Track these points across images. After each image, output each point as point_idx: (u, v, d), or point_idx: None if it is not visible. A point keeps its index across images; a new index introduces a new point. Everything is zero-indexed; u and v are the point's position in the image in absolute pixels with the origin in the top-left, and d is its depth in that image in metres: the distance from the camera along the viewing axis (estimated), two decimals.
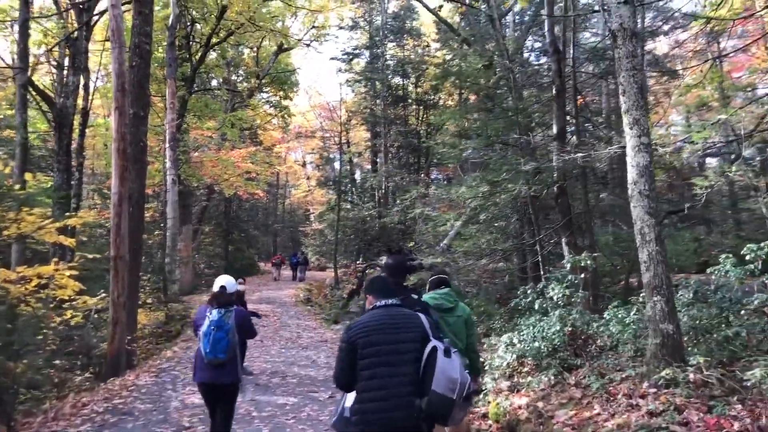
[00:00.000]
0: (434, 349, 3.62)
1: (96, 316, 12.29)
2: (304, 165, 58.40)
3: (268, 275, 39.55)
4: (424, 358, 3.60)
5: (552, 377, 8.34)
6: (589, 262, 8.31)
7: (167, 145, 19.55)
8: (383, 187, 28.31)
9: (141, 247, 12.70)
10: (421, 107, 34.02)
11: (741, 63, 20.43)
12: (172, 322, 17.51)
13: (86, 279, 13.85)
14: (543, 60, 14.30)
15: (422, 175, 30.54)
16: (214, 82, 33.75)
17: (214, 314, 5.51)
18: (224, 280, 5.86)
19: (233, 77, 35.38)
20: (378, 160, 32.84)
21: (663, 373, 6.29)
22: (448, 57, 26.90)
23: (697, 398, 6.00)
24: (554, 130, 13.07)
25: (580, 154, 9.73)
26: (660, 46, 22.49)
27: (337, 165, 50.07)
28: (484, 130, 12.20)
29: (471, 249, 12.54)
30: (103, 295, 11.24)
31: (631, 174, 7.07)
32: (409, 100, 33.89)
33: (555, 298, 8.49)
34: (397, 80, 34.79)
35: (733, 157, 12.95)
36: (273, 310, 21.28)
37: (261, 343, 14.46)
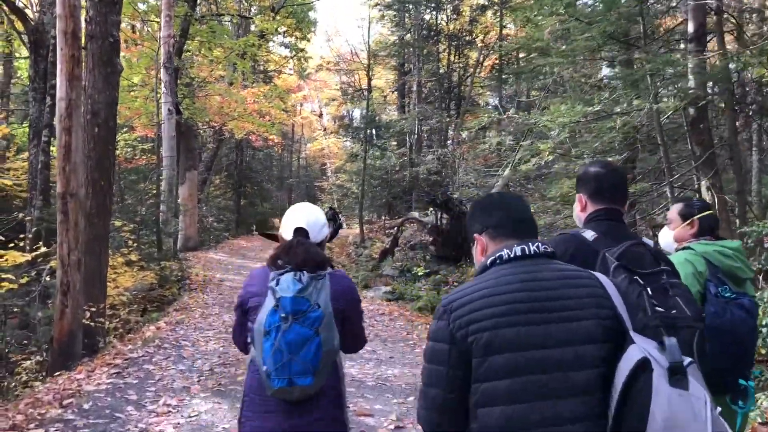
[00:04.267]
0: (644, 364, 1.51)
1: (48, 279, 8.83)
2: (320, 116, 54.51)
3: None
4: (622, 381, 1.53)
5: None
6: None
7: (162, 65, 15.83)
8: (416, 131, 24.40)
9: (111, 184, 9.16)
10: (454, 46, 29.87)
11: None
12: (167, 285, 14.14)
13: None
14: None
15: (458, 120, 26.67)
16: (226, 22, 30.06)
17: (285, 285, 2.33)
18: (305, 212, 2.64)
19: (246, 14, 31.69)
20: (406, 101, 28.88)
21: None
22: None
23: None
24: (689, 27, 9.29)
25: None
26: None
27: (357, 113, 46.45)
28: (601, 21, 8.31)
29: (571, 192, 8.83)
30: (42, 249, 7.77)
31: None
32: (442, 38, 29.70)
33: None
34: (429, 15, 30.60)
35: None
36: None
37: None
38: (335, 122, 53.67)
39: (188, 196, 21.35)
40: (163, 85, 15.74)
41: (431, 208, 18.47)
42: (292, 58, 37.61)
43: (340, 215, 29.07)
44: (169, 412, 5.42)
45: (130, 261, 13.05)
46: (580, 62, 9.36)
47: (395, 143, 29.23)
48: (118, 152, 16.06)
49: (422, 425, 1.78)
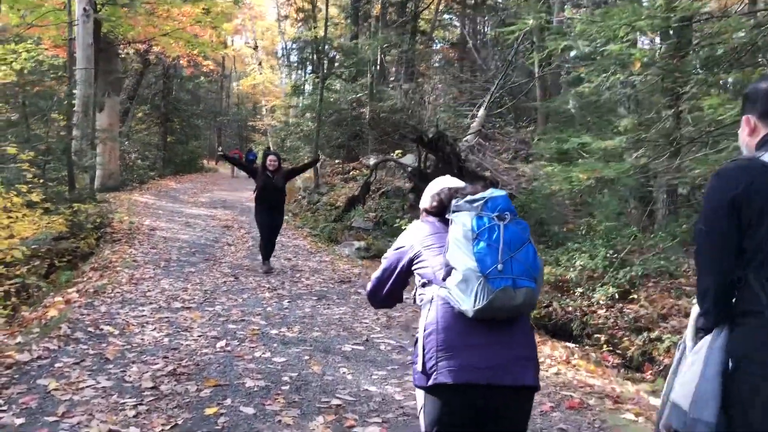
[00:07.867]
0: None
1: None
2: (255, 48, 50.15)
3: (215, 174, 33.73)
4: None
5: None
6: None
7: None
8: (378, 60, 21.30)
9: None
10: None
11: None
12: (81, 234, 10.96)
13: None
14: None
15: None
16: None
17: (487, 192, 2.13)
18: (452, 182, 2.48)
19: None
20: (362, 29, 25.58)
21: None
22: None
23: None
24: None
25: None
26: None
27: (296, 47, 42.69)
28: None
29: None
30: None
31: None
32: None
33: None
34: None
35: None
36: (236, 218, 14.90)
37: (237, 281, 8.17)
38: (268, 57, 49.65)
39: (108, 125, 17.85)
40: None
41: (404, 150, 15.90)
42: None
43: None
44: None
45: (31, 202, 9.80)
46: None
47: (346, 77, 26.06)
48: (19, 67, 12.46)
49: None
